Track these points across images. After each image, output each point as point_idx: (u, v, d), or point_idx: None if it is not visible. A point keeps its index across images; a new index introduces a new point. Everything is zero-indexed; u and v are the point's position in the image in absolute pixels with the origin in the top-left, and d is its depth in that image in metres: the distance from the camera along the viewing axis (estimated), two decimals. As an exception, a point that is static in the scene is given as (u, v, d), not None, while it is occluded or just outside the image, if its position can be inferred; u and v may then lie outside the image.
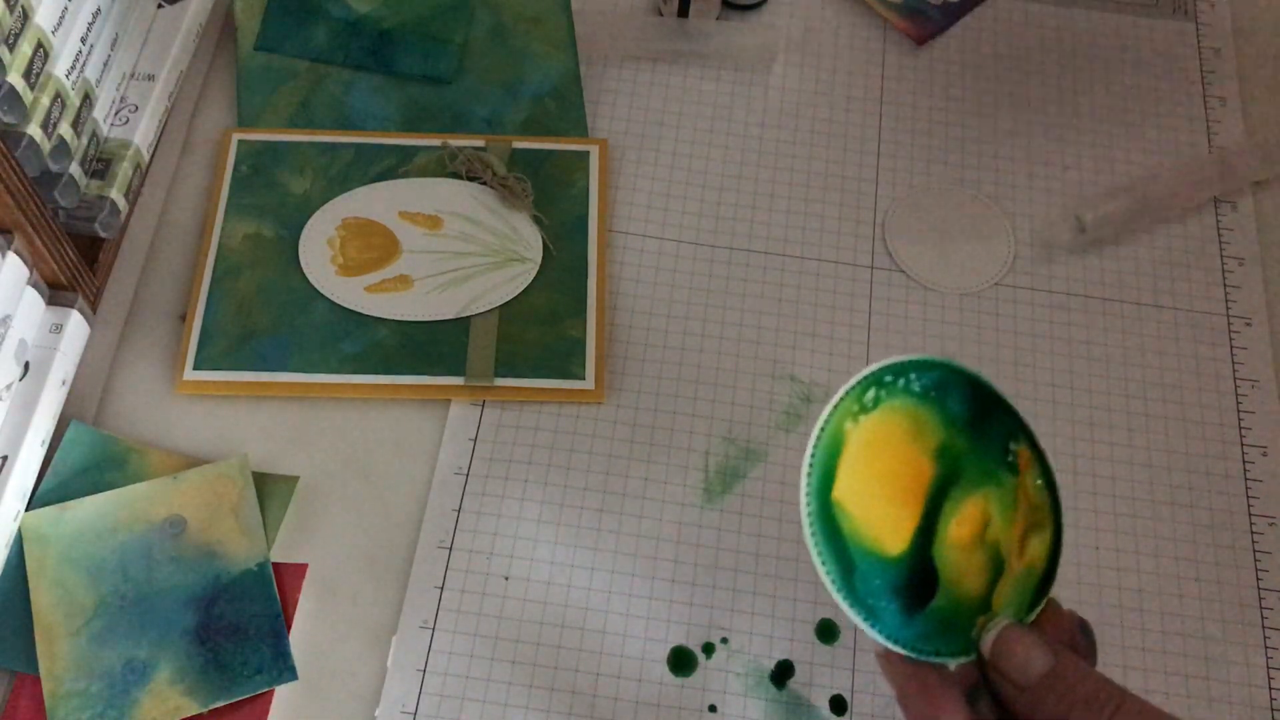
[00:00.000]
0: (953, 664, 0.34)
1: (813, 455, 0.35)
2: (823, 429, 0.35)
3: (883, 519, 0.35)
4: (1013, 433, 0.35)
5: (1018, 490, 0.35)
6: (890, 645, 0.34)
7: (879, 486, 0.35)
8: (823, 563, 0.34)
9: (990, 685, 0.34)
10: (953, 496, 0.35)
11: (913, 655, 0.34)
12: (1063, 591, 0.48)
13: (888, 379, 0.35)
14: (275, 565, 0.46)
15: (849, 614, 0.34)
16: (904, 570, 0.34)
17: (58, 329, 0.47)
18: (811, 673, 0.45)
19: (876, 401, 0.35)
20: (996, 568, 0.35)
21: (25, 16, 0.43)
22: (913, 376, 0.35)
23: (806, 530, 0.34)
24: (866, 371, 0.35)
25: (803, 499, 0.35)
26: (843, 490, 0.35)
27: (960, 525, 0.35)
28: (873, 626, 0.34)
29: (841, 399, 0.35)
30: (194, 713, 0.42)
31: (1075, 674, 0.32)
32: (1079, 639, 0.34)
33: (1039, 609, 0.34)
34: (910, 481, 0.35)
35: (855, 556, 0.34)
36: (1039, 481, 0.35)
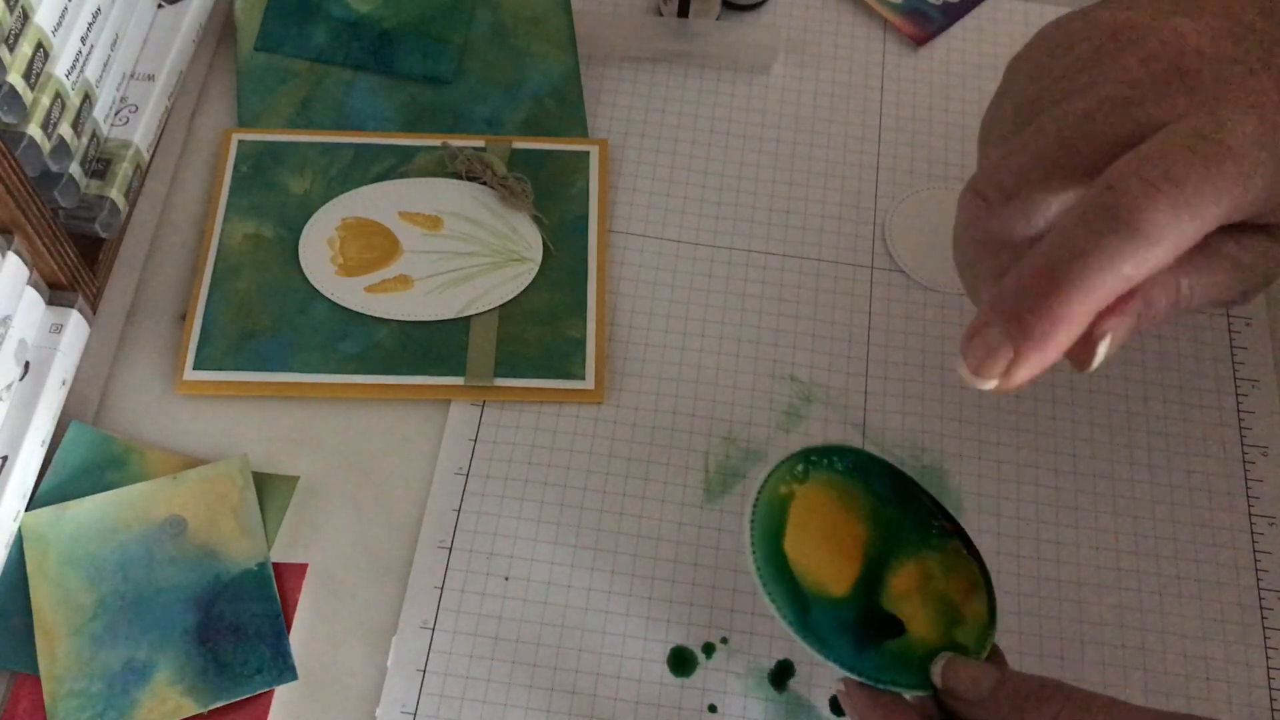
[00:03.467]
0: (908, 694, 0.38)
1: (754, 511, 0.39)
2: (760, 490, 0.40)
3: (826, 567, 0.39)
4: (932, 511, 0.40)
5: (951, 554, 0.40)
6: (847, 673, 0.37)
7: (820, 541, 0.39)
8: (773, 602, 0.38)
9: (946, 715, 0.37)
10: (894, 555, 0.39)
11: (870, 683, 0.37)
12: (1062, 592, 0.48)
13: (814, 458, 0.41)
14: (275, 565, 0.46)
15: (804, 645, 0.38)
16: (852, 611, 0.38)
17: (58, 329, 0.47)
18: (811, 673, 0.45)
19: (806, 474, 0.40)
20: (950, 615, 0.39)
21: (25, 16, 0.43)
22: (835, 458, 0.41)
23: (755, 577, 0.38)
24: (793, 451, 0.41)
25: (748, 549, 0.39)
26: (789, 542, 0.39)
27: (903, 580, 0.39)
28: (827, 657, 0.37)
29: (774, 470, 0.40)
30: (194, 713, 0.42)
31: (1020, 678, 0.35)
32: None
33: (985, 653, 0.38)
34: (847, 539, 0.39)
35: (808, 597, 0.38)
36: (964, 553, 0.40)
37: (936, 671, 0.37)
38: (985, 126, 0.38)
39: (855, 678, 0.38)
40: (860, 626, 0.38)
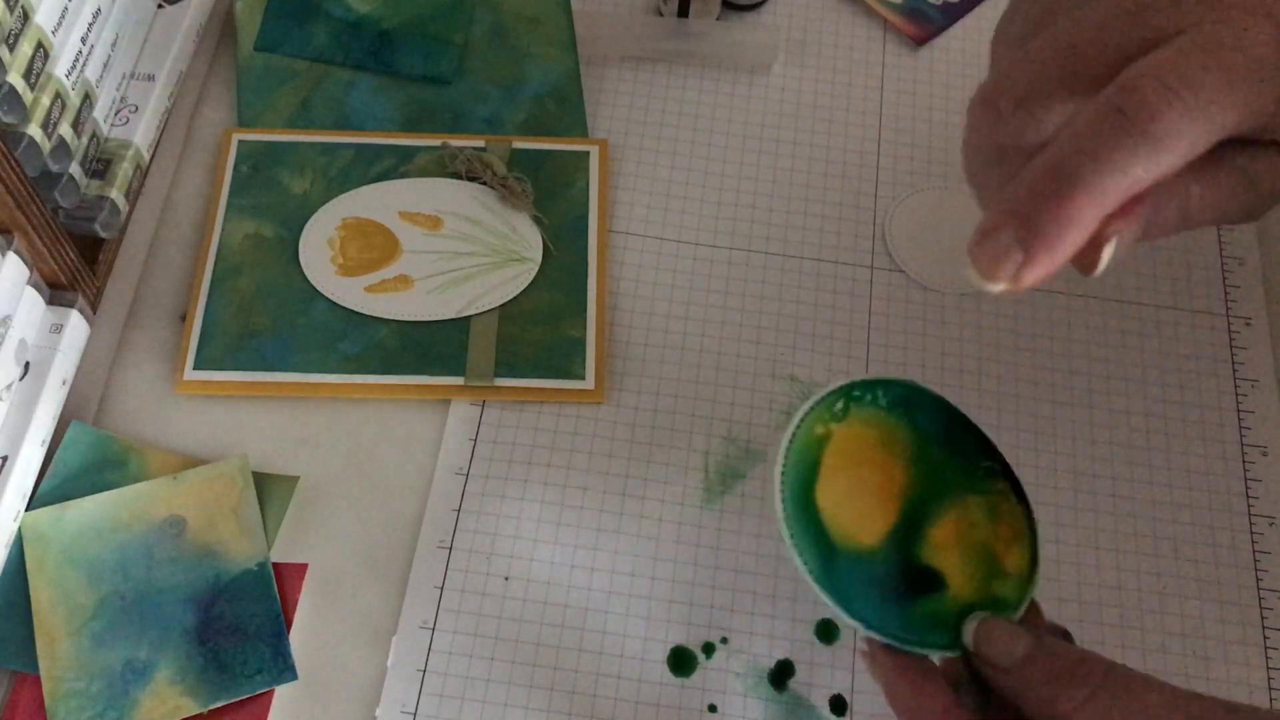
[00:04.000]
0: (936, 655, 0.35)
1: (786, 454, 0.36)
2: (795, 431, 0.36)
3: (860, 516, 0.36)
4: (982, 451, 0.37)
5: (998, 498, 0.36)
6: (871, 633, 0.34)
7: (854, 487, 0.36)
8: (800, 554, 0.35)
9: (976, 678, 0.34)
10: (936, 500, 0.36)
11: (895, 644, 0.34)
12: (1062, 592, 0.48)
13: (856, 393, 0.37)
14: (275, 565, 0.46)
15: (825, 600, 0.35)
16: (884, 564, 0.35)
17: (58, 329, 0.47)
18: (811, 673, 0.45)
19: (846, 411, 0.37)
20: (989, 568, 0.36)
21: (25, 16, 0.43)
22: (880, 393, 0.37)
23: (783, 524, 0.35)
24: (836, 385, 0.37)
25: (777, 496, 0.35)
26: (821, 489, 0.36)
27: (943, 529, 0.36)
28: (850, 614, 0.34)
29: (812, 407, 0.37)
30: (194, 713, 0.42)
31: (1058, 649, 0.33)
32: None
33: (1023, 609, 0.35)
34: (884, 484, 0.36)
35: (837, 548, 0.35)
36: (1012, 498, 0.36)
37: (969, 631, 0.34)
38: (997, 35, 0.38)
39: (880, 638, 0.34)
40: (892, 580, 0.35)
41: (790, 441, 0.36)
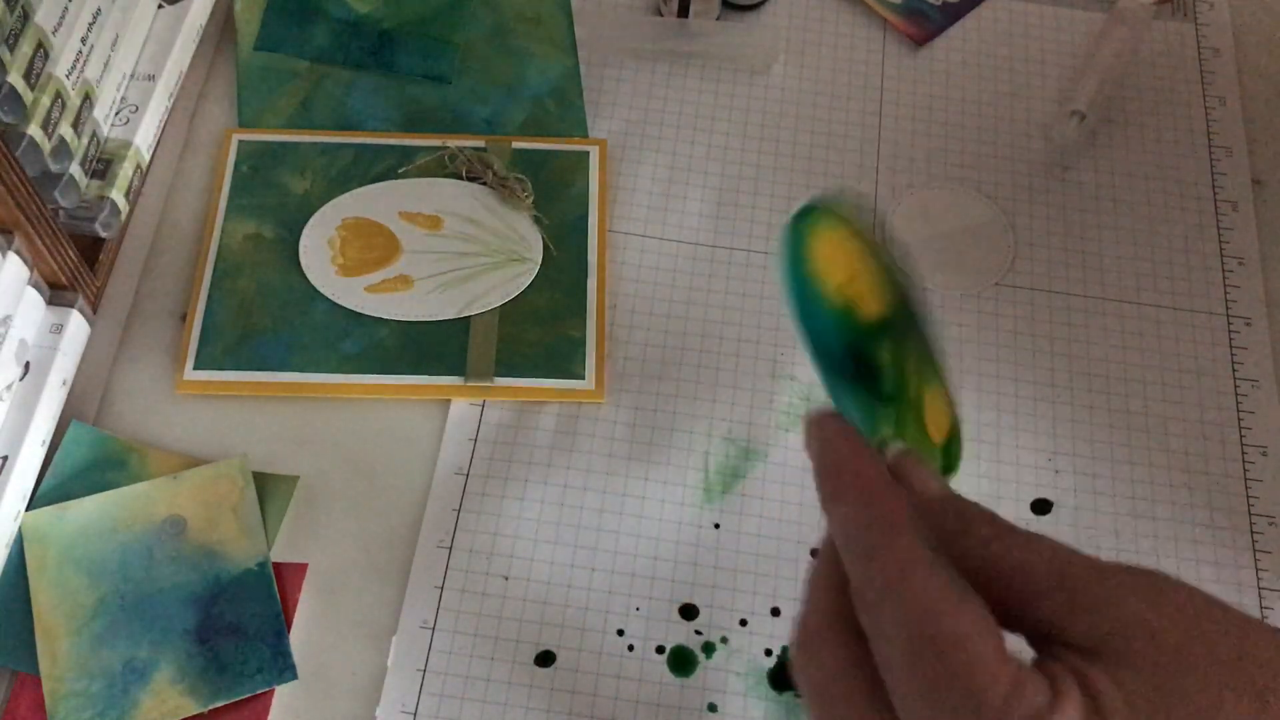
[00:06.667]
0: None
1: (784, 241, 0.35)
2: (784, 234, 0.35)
3: (847, 285, 0.35)
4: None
5: (940, 388, 0.36)
6: (817, 372, 0.34)
7: (848, 272, 0.36)
8: (784, 270, 0.34)
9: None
10: (904, 338, 0.36)
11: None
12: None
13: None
14: (275, 565, 0.46)
15: (795, 323, 0.34)
16: (849, 332, 0.35)
17: (58, 329, 0.47)
18: (811, 673, 0.45)
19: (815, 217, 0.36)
20: (920, 423, 0.35)
21: (25, 16, 0.44)
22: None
23: (781, 248, 0.34)
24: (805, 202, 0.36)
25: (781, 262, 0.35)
26: (814, 258, 0.36)
27: (903, 360, 0.35)
28: (809, 341, 0.34)
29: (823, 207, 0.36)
30: (194, 712, 0.42)
31: (972, 504, 0.30)
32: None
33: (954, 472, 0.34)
34: (873, 290, 0.36)
35: (820, 291, 0.35)
36: (950, 403, 0.36)
37: (891, 452, 0.32)
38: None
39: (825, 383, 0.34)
40: (846, 348, 0.34)
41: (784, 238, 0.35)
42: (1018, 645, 0.26)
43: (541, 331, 0.51)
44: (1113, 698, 0.24)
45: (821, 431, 0.32)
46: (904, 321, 0.36)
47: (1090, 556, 0.27)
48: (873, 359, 0.35)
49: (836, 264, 0.36)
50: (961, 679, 0.24)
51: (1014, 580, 0.27)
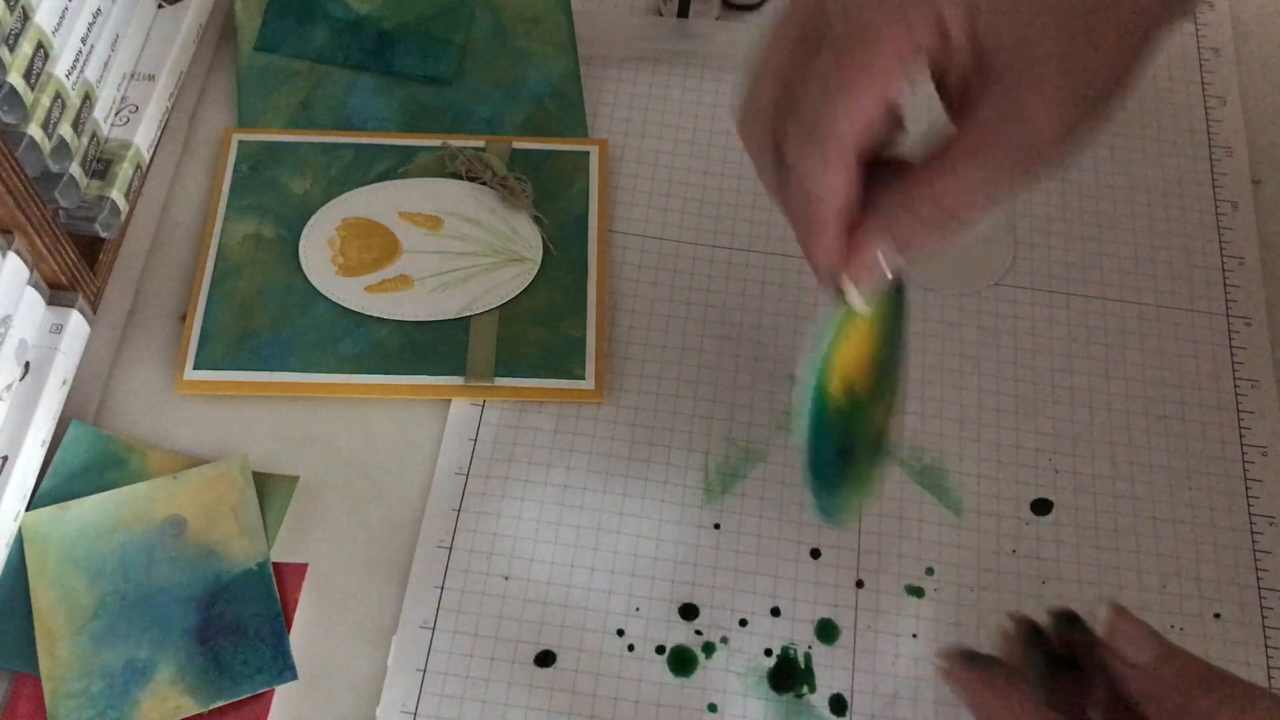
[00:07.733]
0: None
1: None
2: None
3: (850, 375, 0.40)
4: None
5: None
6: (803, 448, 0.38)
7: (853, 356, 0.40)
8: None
9: (1101, 668, 0.34)
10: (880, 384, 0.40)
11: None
12: (1063, 591, 0.48)
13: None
14: (275, 565, 0.46)
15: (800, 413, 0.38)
16: (851, 424, 0.40)
17: (58, 329, 0.47)
18: (813, 673, 0.45)
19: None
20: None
21: (25, 16, 0.44)
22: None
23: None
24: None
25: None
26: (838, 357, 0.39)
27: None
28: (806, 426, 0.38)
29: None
30: (194, 712, 0.42)
31: (1190, 658, 0.33)
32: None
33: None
34: (868, 360, 0.40)
35: (828, 397, 0.39)
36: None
37: (1104, 623, 0.34)
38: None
39: (956, 653, 0.36)
40: (840, 436, 0.39)
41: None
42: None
43: (541, 331, 0.51)
44: None
45: (959, 683, 0.36)
46: (887, 385, 0.40)
47: None
48: (853, 434, 0.40)
49: (849, 359, 0.39)
50: None
51: None
